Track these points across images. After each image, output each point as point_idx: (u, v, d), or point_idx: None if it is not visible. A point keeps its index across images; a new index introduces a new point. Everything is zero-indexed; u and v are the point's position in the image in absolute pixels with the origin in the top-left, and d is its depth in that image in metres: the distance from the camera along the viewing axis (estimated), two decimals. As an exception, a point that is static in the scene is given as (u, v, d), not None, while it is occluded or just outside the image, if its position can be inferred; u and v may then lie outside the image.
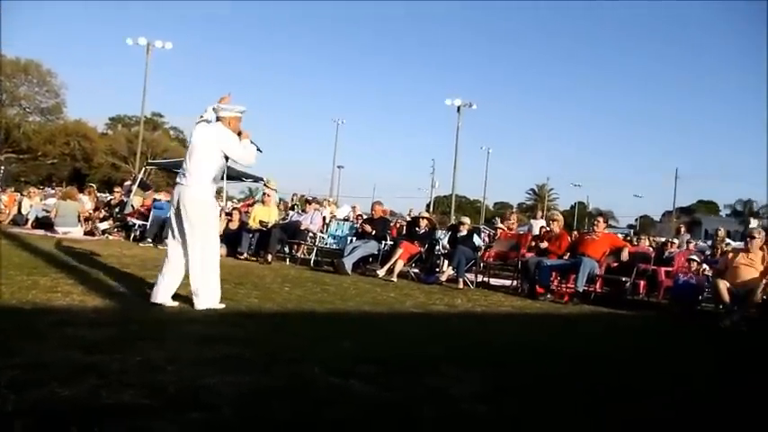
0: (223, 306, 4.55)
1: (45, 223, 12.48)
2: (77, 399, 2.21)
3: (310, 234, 10.95)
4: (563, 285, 8.30)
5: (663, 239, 14.73)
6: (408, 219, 13.36)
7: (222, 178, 4.90)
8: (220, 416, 2.18)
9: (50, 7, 69.38)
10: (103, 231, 12.37)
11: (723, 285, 6.87)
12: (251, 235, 10.42)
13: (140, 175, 16.16)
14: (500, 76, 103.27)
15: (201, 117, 4.76)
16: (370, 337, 4.20)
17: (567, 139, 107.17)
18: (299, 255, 10.92)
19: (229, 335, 3.60)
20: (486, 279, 9.52)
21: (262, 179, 15.06)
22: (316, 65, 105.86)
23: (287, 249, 10.89)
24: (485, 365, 3.48)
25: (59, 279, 5.24)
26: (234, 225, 10.90)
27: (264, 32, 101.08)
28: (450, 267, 8.89)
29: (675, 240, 11.86)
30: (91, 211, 13.31)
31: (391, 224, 11.77)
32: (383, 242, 9.47)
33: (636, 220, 61.27)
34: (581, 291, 7.79)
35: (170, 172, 19.51)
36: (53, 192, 22.30)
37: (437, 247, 9.93)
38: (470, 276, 9.04)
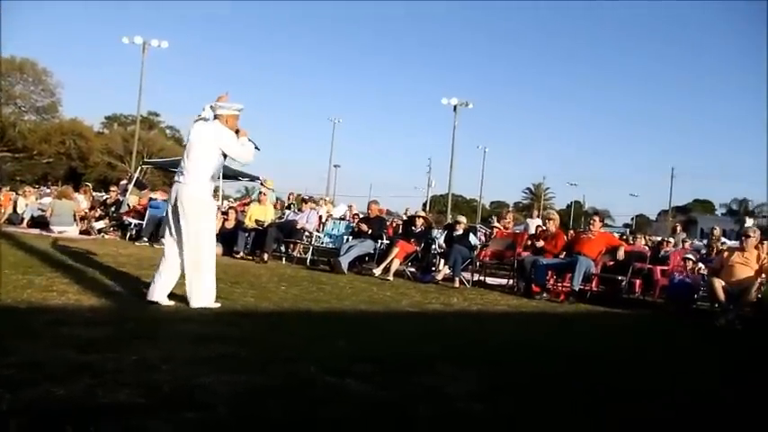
0: (219, 305, 4.55)
1: (40, 222, 12.47)
2: (72, 398, 2.20)
3: (306, 233, 10.95)
4: (559, 284, 8.32)
5: (659, 238, 14.74)
6: (405, 218, 13.39)
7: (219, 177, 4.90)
8: (216, 415, 2.17)
9: (48, 7, 69.16)
10: (99, 230, 12.34)
11: (718, 284, 6.89)
12: (247, 234, 10.41)
13: (136, 175, 16.14)
14: (496, 76, 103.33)
15: (199, 116, 4.76)
16: (367, 336, 4.20)
17: (564, 138, 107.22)
18: (295, 254, 10.92)
19: (225, 334, 3.59)
20: (482, 278, 9.54)
21: (258, 178, 15.04)
22: (312, 64, 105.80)
23: (283, 248, 10.89)
24: (481, 364, 3.49)
25: (55, 278, 5.22)
26: (230, 224, 10.89)
27: (260, 32, 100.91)
28: (447, 266, 8.90)
29: (671, 239, 11.86)
30: (87, 211, 13.28)
31: (387, 223, 11.78)
32: (379, 241, 9.47)
33: (632, 219, 61.44)
34: (577, 290, 7.82)
35: (166, 171, 19.50)
36: (49, 191, 22.25)
37: (433, 246, 9.92)
38: (466, 275, 9.05)
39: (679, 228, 15.08)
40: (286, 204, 15.08)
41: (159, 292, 4.49)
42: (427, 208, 36.84)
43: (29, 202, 14.42)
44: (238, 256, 9.97)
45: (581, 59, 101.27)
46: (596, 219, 8.94)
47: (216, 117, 4.67)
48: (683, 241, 12.74)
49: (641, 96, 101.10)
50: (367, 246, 9.37)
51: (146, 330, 3.52)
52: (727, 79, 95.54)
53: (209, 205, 4.72)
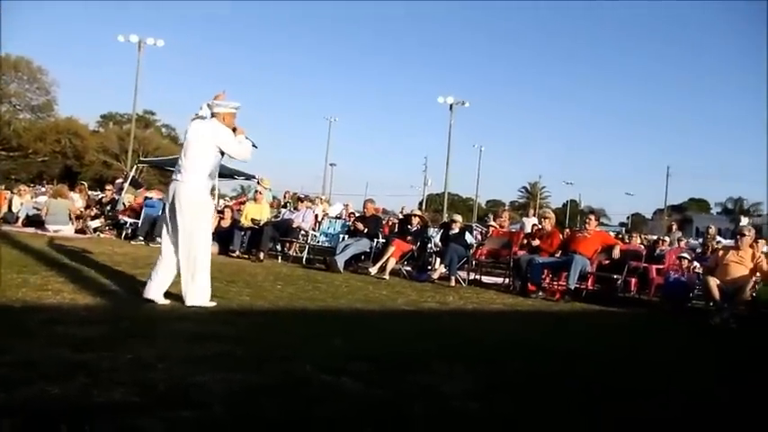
0: (214, 304, 4.54)
1: (36, 221, 12.39)
2: (67, 397, 2.20)
3: (302, 232, 10.94)
4: (555, 283, 8.34)
5: (654, 237, 14.82)
6: (400, 216, 13.39)
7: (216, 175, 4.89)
8: (211, 414, 2.17)
9: (46, 6, 68.90)
10: (95, 229, 12.30)
11: (713, 283, 6.91)
12: (243, 233, 10.39)
13: (132, 173, 16.10)
14: (492, 75, 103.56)
15: (197, 114, 4.75)
16: (362, 335, 4.20)
17: (560, 137, 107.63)
18: (291, 252, 10.90)
19: (220, 333, 3.59)
20: (478, 277, 9.55)
21: (254, 177, 15.01)
22: (308, 63, 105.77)
23: (279, 247, 10.89)
24: (476, 363, 3.49)
25: (50, 277, 5.20)
26: (226, 223, 10.87)
27: (257, 31, 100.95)
28: (443, 265, 8.91)
29: (666, 238, 11.91)
30: (82, 209, 13.22)
31: (383, 222, 11.78)
32: (375, 240, 9.47)
33: (627, 217, 61.65)
34: (572, 288, 7.83)
35: (162, 170, 19.45)
36: (44, 189, 22.17)
37: (429, 245, 9.94)
38: (462, 274, 9.05)
39: (674, 227, 15.17)
40: (282, 203, 15.06)
41: (155, 290, 4.49)
42: (423, 207, 36.92)
43: (24, 201, 14.33)
44: (234, 254, 9.95)
45: (578, 58, 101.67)
46: (592, 217, 8.97)
47: (213, 115, 4.67)
48: (679, 240, 12.77)
49: (640, 96, 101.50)
50: (363, 244, 9.37)
51: (141, 329, 3.51)
52: (727, 79, 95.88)
53: (206, 205, 4.72)
